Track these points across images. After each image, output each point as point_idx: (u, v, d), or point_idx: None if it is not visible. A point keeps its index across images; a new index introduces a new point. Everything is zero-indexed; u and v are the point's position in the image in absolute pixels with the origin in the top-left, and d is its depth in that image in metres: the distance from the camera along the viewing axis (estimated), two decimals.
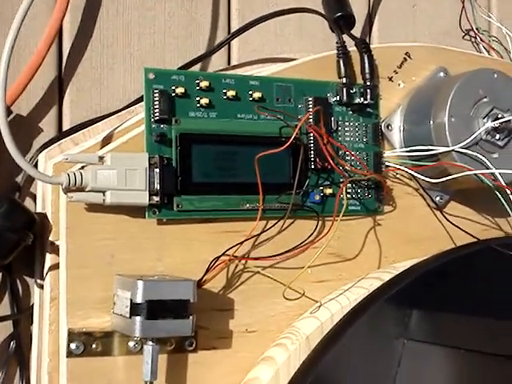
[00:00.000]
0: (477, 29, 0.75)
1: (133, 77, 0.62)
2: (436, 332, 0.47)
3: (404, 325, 0.49)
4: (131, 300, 0.47)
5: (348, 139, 0.58)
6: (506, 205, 0.56)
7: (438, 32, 0.74)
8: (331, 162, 0.55)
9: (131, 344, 0.51)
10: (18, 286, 0.58)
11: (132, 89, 0.61)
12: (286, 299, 0.55)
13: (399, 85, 0.61)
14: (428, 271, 0.50)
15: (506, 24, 0.76)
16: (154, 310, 0.47)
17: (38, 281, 0.56)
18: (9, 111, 0.56)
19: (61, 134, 0.59)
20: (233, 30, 0.65)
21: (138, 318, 0.47)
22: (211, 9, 0.65)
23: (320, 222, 0.57)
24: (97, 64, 0.61)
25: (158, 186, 0.51)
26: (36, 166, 0.57)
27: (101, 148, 0.54)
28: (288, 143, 0.53)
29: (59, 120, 0.60)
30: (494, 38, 0.75)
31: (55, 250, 0.54)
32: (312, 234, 0.56)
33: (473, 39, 0.76)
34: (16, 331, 0.57)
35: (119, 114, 0.60)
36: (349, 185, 0.57)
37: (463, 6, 0.73)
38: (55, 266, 0.53)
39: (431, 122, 0.57)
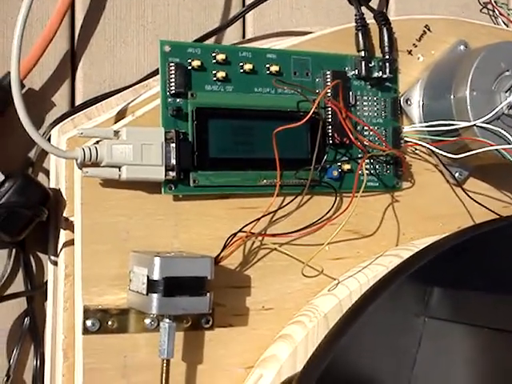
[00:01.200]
0: (495, 2, 0.73)
1: (146, 50, 0.61)
2: (458, 310, 0.46)
3: (424, 303, 0.48)
4: (148, 277, 0.47)
5: (366, 114, 0.57)
6: None
7: (456, 5, 0.72)
8: (351, 136, 0.54)
9: (147, 321, 0.50)
10: (32, 263, 0.57)
11: (146, 62, 0.60)
12: (305, 276, 0.54)
13: (418, 58, 0.60)
14: (449, 248, 0.49)
15: None
16: (171, 286, 0.47)
17: (52, 257, 0.56)
18: (21, 85, 0.55)
19: (74, 109, 0.58)
20: (248, 2, 0.64)
21: (154, 295, 0.46)
22: None
23: (338, 199, 0.56)
24: (110, 37, 0.60)
25: (174, 161, 0.50)
26: (49, 140, 0.56)
27: (115, 122, 0.53)
28: (307, 117, 0.52)
29: (72, 94, 0.59)
30: None
31: (69, 226, 0.53)
32: (330, 210, 0.55)
33: (491, 12, 0.74)
34: (30, 308, 0.57)
35: (133, 88, 0.59)
36: (367, 160, 0.56)
37: None
38: (70, 243, 0.53)
39: (452, 97, 0.56)
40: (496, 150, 0.55)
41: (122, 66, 0.60)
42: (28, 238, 0.55)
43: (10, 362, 0.56)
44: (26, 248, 0.57)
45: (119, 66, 0.60)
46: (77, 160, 0.48)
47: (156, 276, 0.46)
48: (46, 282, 0.57)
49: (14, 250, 0.56)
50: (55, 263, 0.55)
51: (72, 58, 0.59)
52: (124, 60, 0.60)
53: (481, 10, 0.74)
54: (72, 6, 0.59)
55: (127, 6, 0.60)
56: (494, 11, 0.74)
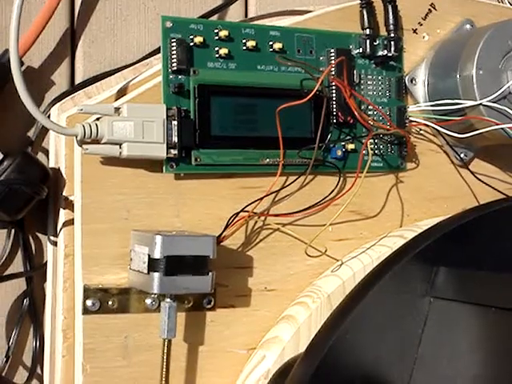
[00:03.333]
0: None
1: (147, 29, 0.60)
2: (464, 290, 0.45)
3: (430, 283, 0.47)
4: (149, 255, 0.46)
5: (371, 93, 0.57)
6: None
7: None
8: (356, 114, 0.53)
9: (148, 301, 0.50)
10: (31, 243, 0.57)
11: (146, 41, 0.59)
12: (308, 257, 0.53)
13: (424, 37, 0.59)
14: (455, 228, 0.49)
15: None
16: (173, 265, 0.46)
17: (52, 237, 0.55)
18: (20, 62, 0.54)
19: (73, 87, 0.57)
20: None
21: (156, 274, 0.46)
22: None
23: (341, 179, 0.55)
24: (110, 15, 0.59)
25: (175, 139, 0.49)
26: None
27: (115, 101, 0.52)
28: (310, 95, 0.51)
29: (72, 73, 0.58)
30: None
31: (69, 205, 0.52)
32: (333, 190, 0.55)
33: None
34: (29, 289, 0.56)
35: (133, 66, 0.58)
36: (371, 140, 0.56)
37: None
38: (69, 222, 0.52)
39: (458, 75, 0.55)
40: (502, 129, 0.54)
41: (122, 45, 0.59)
42: (27, 217, 0.55)
43: (9, 343, 0.55)
44: (25, 228, 0.56)
45: (120, 45, 0.59)
46: (77, 137, 0.47)
47: (157, 255, 0.46)
48: (46, 262, 0.56)
49: (12, 230, 0.55)
50: (55, 243, 0.54)
51: (72, 36, 0.58)
52: (125, 39, 0.59)
53: None
54: None
55: None
56: None
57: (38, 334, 0.56)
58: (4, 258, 0.56)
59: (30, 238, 0.57)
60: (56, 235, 0.54)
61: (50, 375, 0.54)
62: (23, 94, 0.46)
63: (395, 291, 0.47)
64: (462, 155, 0.59)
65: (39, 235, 0.57)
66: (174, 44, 0.50)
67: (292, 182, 0.54)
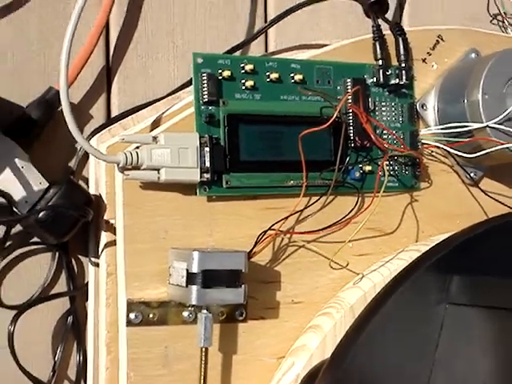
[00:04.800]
0: (504, 13, 0.77)
1: (176, 65, 0.65)
2: (478, 294, 0.49)
3: (445, 290, 0.51)
4: (187, 270, 0.50)
5: (385, 119, 0.61)
6: None
7: (467, 17, 0.76)
8: (372, 138, 0.58)
9: (185, 314, 0.54)
10: (74, 265, 0.61)
11: (176, 76, 0.64)
12: (331, 271, 0.58)
13: (432, 66, 0.64)
14: (465, 240, 0.53)
15: None
16: (209, 279, 0.50)
17: (93, 259, 0.59)
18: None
19: (110, 120, 0.62)
20: (269, 18, 0.68)
21: (194, 287, 0.50)
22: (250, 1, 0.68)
23: (360, 198, 0.60)
24: (142, 53, 0.64)
25: (208, 164, 0.54)
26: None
27: (150, 131, 0.57)
28: (330, 121, 0.56)
29: (108, 107, 0.63)
30: None
31: (110, 228, 0.57)
32: (352, 209, 0.59)
33: (500, 23, 0.78)
34: (73, 307, 0.60)
35: (164, 100, 0.63)
36: (387, 162, 0.60)
37: None
38: (111, 244, 0.56)
39: (465, 101, 0.60)
40: (507, 148, 0.58)
41: (154, 80, 0.64)
42: (70, 241, 0.59)
43: (55, 358, 0.60)
44: (69, 251, 0.61)
45: (151, 80, 0.64)
46: (119, 164, 0.52)
47: (195, 269, 0.50)
48: (87, 282, 0.60)
49: (57, 253, 0.60)
50: (96, 264, 0.59)
51: (107, 73, 0.63)
52: (156, 75, 0.64)
53: (491, 21, 0.77)
54: (107, 25, 0.63)
55: (157, 25, 0.64)
56: (503, 22, 0.78)
57: (81, 350, 0.60)
58: (49, 278, 0.60)
59: (73, 260, 0.61)
60: (97, 256, 0.58)
61: None
62: (72, 126, 0.50)
63: (412, 299, 0.51)
64: (471, 174, 0.64)
65: (80, 257, 0.61)
66: (205, 78, 0.55)
67: (314, 202, 0.58)
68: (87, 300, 0.60)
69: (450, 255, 0.52)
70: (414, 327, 0.51)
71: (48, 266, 0.60)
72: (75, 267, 0.61)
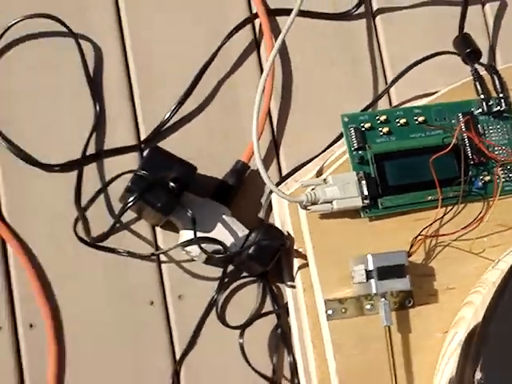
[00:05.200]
0: None
1: (324, 128, 0.84)
2: None
3: None
4: (365, 269, 0.69)
5: (494, 138, 0.78)
6: None
7: None
8: (487, 153, 0.75)
9: (368, 306, 0.72)
10: (274, 289, 0.80)
11: (326, 137, 0.83)
12: (473, 260, 0.74)
13: None
14: None
15: None
16: (382, 273, 0.68)
17: (288, 283, 0.78)
18: (247, 167, 0.80)
19: (283, 177, 0.82)
20: (388, 79, 0.87)
21: (372, 280, 0.68)
22: (370, 68, 0.87)
23: (485, 202, 0.76)
24: (301, 124, 0.84)
25: (366, 192, 0.72)
26: (271, 204, 0.80)
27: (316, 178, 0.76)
28: (451, 146, 0.74)
29: (279, 168, 0.83)
30: None
31: (300, 255, 0.75)
32: (481, 212, 0.76)
33: None
34: (280, 322, 0.79)
35: (321, 155, 0.82)
36: (501, 171, 0.77)
37: None
38: (303, 266, 0.75)
39: None
40: None
41: (310, 143, 0.84)
42: (269, 272, 0.78)
43: (272, 361, 0.79)
44: (269, 280, 0.80)
45: (310, 143, 0.83)
46: (302, 203, 0.72)
47: (371, 267, 0.68)
48: (287, 302, 0.79)
49: (261, 283, 0.79)
50: (291, 286, 0.77)
51: (275, 143, 0.84)
52: (314, 138, 0.83)
53: None
54: (268, 110, 0.83)
55: (307, 101, 0.84)
56: None
57: (291, 353, 0.79)
58: (258, 302, 0.79)
59: (273, 286, 0.80)
60: (292, 280, 0.77)
61: (306, 378, 0.76)
62: (266, 179, 0.71)
63: None
64: None
65: (278, 284, 0.80)
66: (352, 131, 0.75)
67: (450, 210, 0.75)
68: (289, 315, 0.79)
69: None
70: None
71: (256, 293, 0.79)
72: (275, 291, 0.80)
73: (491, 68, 0.80)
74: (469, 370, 0.64)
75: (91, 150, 0.79)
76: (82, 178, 0.77)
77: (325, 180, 0.72)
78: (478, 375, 0.63)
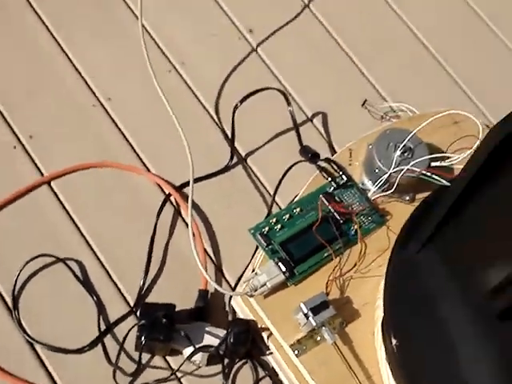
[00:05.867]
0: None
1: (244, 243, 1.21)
2: None
3: None
4: (303, 313, 1.04)
5: (348, 201, 1.15)
6: None
7: None
8: (347, 211, 1.12)
9: (318, 338, 1.05)
10: (261, 362, 1.14)
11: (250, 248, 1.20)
12: (374, 276, 1.10)
13: None
14: None
15: None
16: (314, 310, 1.03)
17: (267, 352, 1.12)
18: (206, 291, 1.16)
19: (234, 286, 1.18)
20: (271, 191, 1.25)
21: (310, 318, 1.03)
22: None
23: (361, 242, 1.13)
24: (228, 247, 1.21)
25: (284, 269, 1.08)
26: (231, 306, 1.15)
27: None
28: (320, 218, 1.11)
29: (226, 281, 1.19)
30: None
31: (264, 328, 1.08)
32: (361, 249, 1.12)
33: None
34: (273, 380, 1.13)
35: (251, 262, 1.19)
36: (360, 218, 1.14)
37: None
38: (270, 335, 1.09)
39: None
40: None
41: (242, 257, 1.20)
42: (252, 352, 1.12)
43: None
44: (254, 356, 1.14)
45: (242, 258, 1.20)
46: (247, 293, 1.07)
47: (305, 310, 1.04)
48: (272, 367, 1.13)
49: (251, 361, 1.13)
50: (270, 353, 1.12)
51: (219, 270, 1.20)
52: (241, 253, 1.20)
53: None
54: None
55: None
56: None
57: None
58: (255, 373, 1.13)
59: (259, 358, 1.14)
60: (268, 348, 1.11)
61: None
62: (219, 288, 1.07)
63: None
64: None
65: (262, 357, 1.14)
66: (259, 236, 1.11)
67: (342, 256, 1.11)
68: (278, 375, 1.12)
69: None
70: None
71: (250, 370, 1.13)
72: (262, 361, 1.14)
73: (328, 160, 1.19)
74: (388, 341, 0.98)
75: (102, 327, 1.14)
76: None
77: (256, 273, 1.08)
78: (394, 341, 0.98)
